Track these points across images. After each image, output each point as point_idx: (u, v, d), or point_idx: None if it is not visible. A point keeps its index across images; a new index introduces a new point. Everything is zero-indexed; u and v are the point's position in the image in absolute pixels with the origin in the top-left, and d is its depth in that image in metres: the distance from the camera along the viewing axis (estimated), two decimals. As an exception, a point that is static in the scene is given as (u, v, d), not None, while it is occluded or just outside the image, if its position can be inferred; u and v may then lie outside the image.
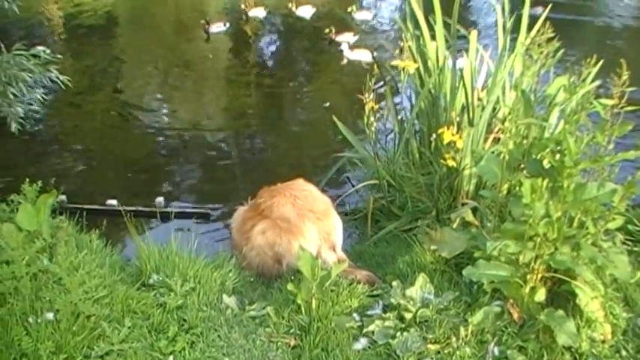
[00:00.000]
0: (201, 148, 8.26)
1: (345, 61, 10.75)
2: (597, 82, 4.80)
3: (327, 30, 11.33)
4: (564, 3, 11.63)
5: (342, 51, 10.94)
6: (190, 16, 13.19)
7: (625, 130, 3.50)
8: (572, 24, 11.11)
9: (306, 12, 13.02)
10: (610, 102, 3.46)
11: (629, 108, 3.47)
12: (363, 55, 10.58)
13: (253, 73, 10.92)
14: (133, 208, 6.24)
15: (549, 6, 5.66)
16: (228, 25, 12.29)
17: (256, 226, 4.71)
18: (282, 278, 4.58)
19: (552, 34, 3.70)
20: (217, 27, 12.21)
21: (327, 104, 9.02)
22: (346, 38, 11.17)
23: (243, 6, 13.19)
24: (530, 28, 5.25)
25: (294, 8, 12.97)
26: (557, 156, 3.41)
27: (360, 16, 12.47)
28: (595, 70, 4.26)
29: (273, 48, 12.35)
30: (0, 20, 6.85)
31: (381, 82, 6.79)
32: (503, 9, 5.92)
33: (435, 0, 5.68)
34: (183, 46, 12.05)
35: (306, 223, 4.59)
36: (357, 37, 11.16)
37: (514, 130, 3.67)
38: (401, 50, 8.36)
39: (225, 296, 4.11)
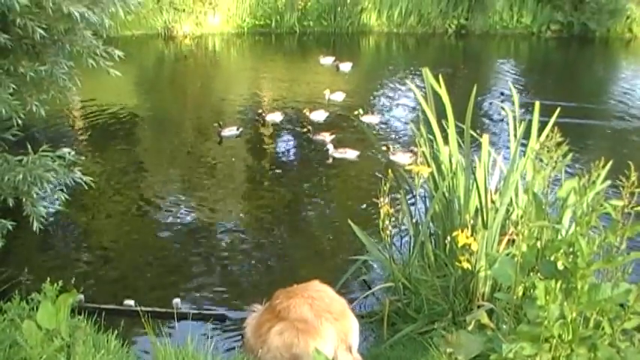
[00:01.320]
0: (217, 249, 8.33)
1: (330, 160, 11.17)
2: (608, 182, 4.90)
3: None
4: (576, 107, 11.95)
5: (327, 150, 11.46)
6: (209, 118, 13.54)
7: (636, 230, 3.55)
8: (583, 127, 11.36)
9: (319, 116, 13.61)
10: (620, 203, 3.53)
11: (640, 208, 3.54)
12: (349, 154, 11.16)
13: (270, 176, 11.11)
14: (149, 309, 6.27)
15: (557, 111, 5.82)
16: (241, 129, 12.60)
17: (273, 328, 4.69)
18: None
19: (561, 139, 3.81)
20: (230, 131, 12.53)
21: (343, 207, 9.11)
22: (328, 138, 11.80)
23: (260, 110, 13.60)
24: (540, 133, 5.41)
25: (308, 113, 13.48)
26: (570, 258, 3.45)
27: (366, 119, 12.87)
28: (604, 171, 4.37)
29: (289, 152, 12.59)
30: (27, 123, 7.04)
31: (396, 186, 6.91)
32: (514, 114, 6.10)
33: (447, 104, 5.86)
34: (202, 149, 12.31)
35: (324, 324, 4.58)
36: (334, 137, 11.82)
37: (527, 233, 3.73)
38: (413, 153, 8.56)
39: (241, 400, 4.09)
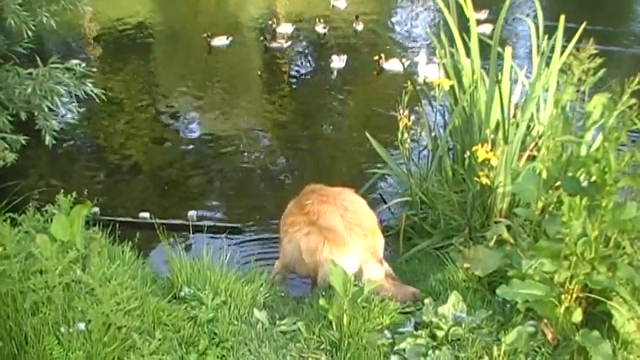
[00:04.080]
0: (232, 164, 8.29)
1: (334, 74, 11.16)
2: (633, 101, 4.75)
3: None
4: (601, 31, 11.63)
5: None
6: (223, 31, 13.31)
7: (665, 149, 3.44)
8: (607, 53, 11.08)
9: (321, 29, 13.72)
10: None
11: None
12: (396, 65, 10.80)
13: (285, 89, 10.99)
14: (165, 221, 6.26)
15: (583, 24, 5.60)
16: (231, 38, 12.51)
17: (302, 229, 4.64)
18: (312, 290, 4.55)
19: (595, 50, 3.65)
20: (219, 40, 12.48)
21: (360, 119, 9.01)
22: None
23: (270, 22, 13.45)
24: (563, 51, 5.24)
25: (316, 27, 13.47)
26: (597, 174, 3.35)
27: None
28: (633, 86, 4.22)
29: (303, 63, 12.43)
30: (38, 35, 6.91)
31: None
32: (537, 27, 5.89)
33: (471, 15, 5.66)
34: (214, 61, 12.16)
35: (353, 237, 4.48)
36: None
37: (552, 147, 3.62)
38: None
39: (256, 310, 4.10)
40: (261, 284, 4.48)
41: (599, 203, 3.37)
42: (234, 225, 6.79)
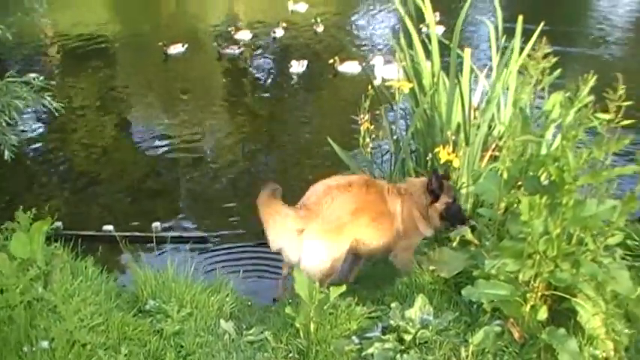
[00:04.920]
0: (197, 169, 8.24)
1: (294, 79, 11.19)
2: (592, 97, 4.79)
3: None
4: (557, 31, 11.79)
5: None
6: (184, 38, 13.26)
7: (622, 145, 3.47)
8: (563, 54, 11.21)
9: (280, 34, 13.77)
10: (607, 116, 3.44)
11: (626, 122, 3.44)
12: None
13: (247, 95, 10.97)
14: (128, 234, 6.19)
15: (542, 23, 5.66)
16: (186, 46, 12.52)
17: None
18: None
19: (549, 50, 3.68)
20: (175, 48, 12.51)
21: (322, 123, 9.02)
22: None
23: (231, 29, 13.46)
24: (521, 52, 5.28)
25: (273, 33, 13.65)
26: (556, 172, 3.38)
27: (344, 68, 11.92)
28: (589, 84, 4.26)
29: (263, 69, 12.45)
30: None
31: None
32: (496, 27, 5.94)
33: (430, 18, 5.69)
34: (177, 69, 12.10)
35: None
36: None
37: (512, 147, 3.65)
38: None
39: (222, 321, 4.07)
40: (227, 294, 4.46)
41: (560, 201, 3.40)
42: (200, 235, 6.74)
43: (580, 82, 3.59)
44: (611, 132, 3.47)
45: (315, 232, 4.55)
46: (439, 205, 4.57)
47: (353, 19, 15.85)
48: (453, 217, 4.60)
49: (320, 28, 13.87)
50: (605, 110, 3.43)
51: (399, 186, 4.72)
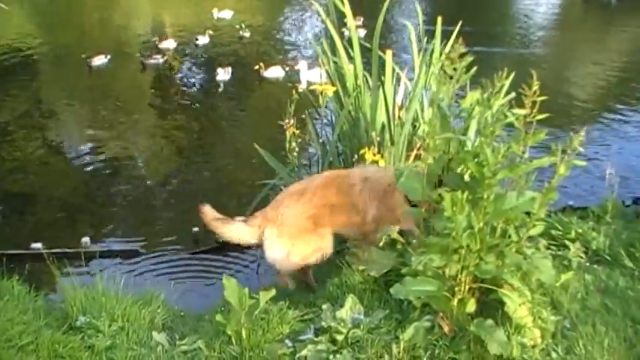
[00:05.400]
0: (127, 182, 8.13)
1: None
2: (512, 95, 4.92)
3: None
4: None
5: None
6: (109, 50, 13.08)
7: (539, 138, 3.58)
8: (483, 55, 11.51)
9: (206, 42, 13.88)
10: (522, 112, 3.53)
11: (541, 116, 3.55)
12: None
13: (175, 106, 10.88)
14: (57, 251, 6.08)
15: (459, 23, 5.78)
16: (109, 57, 12.42)
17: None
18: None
19: (465, 50, 3.77)
20: (99, 60, 12.42)
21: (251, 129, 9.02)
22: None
23: (155, 39, 13.36)
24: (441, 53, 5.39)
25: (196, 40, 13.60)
26: (476, 168, 3.46)
27: (270, 74, 12.04)
28: (507, 82, 4.38)
29: (189, 78, 12.38)
30: None
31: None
32: (418, 29, 6.04)
33: (351, 22, 5.75)
34: (102, 82, 11.93)
35: None
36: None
37: (432, 146, 3.72)
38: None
39: (154, 333, 4.04)
40: (159, 306, 4.42)
41: (481, 196, 3.48)
42: (130, 249, 6.66)
43: (496, 80, 3.68)
44: (528, 127, 3.58)
45: (275, 237, 4.66)
46: None
47: (279, 24, 15.93)
48: None
49: (246, 34, 13.90)
50: (523, 106, 3.53)
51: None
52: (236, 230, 4.74)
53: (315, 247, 4.73)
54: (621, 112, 10.58)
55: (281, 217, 4.65)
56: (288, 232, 4.65)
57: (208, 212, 4.81)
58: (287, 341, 3.77)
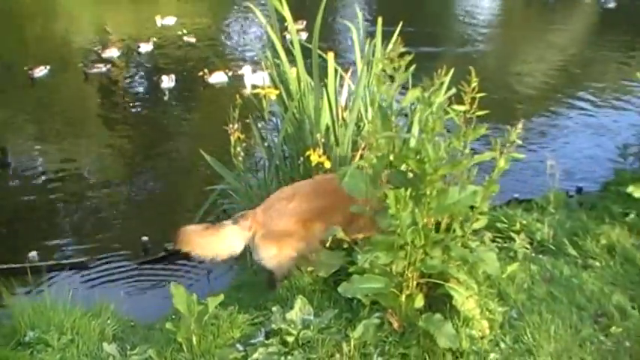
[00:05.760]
0: (74, 194, 8.01)
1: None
2: (453, 91, 4.99)
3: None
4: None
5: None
6: (52, 59, 12.89)
7: (479, 134, 3.64)
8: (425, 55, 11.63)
9: (149, 49, 13.79)
10: (462, 108, 3.59)
11: (481, 112, 3.61)
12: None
13: (119, 115, 10.76)
14: (4, 267, 5.99)
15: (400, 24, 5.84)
16: (49, 67, 12.30)
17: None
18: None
19: (405, 49, 3.81)
20: (40, 71, 12.29)
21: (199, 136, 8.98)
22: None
23: (97, 48, 13.24)
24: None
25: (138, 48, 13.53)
26: (417, 165, 3.50)
27: (214, 79, 12.05)
28: (447, 79, 4.45)
29: (133, 86, 12.28)
30: None
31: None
32: (359, 30, 6.08)
33: (291, 24, 5.76)
34: (45, 92, 11.75)
35: None
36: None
37: (375, 145, 3.75)
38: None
39: (105, 344, 4.00)
40: (109, 317, 4.38)
41: (424, 192, 3.53)
42: (79, 260, 6.57)
43: (436, 78, 3.73)
44: (470, 123, 3.64)
45: (263, 237, 4.57)
46: None
47: (223, 29, 15.88)
48: None
49: (192, 39, 13.87)
50: (464, 103, 3.59)
51: None
52: (229, 234, 4.56)
53: (305, 250, 4.69)
54: (564, 106, 10.82)
55: (271, 220, 4.57)
56: (279, 236, 4.57)
57: (191, 228, 4.63)
58: (238, 345, 3.77)
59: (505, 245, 4.79)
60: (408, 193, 3.41)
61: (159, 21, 15.41)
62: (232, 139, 5.18)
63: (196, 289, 4.97)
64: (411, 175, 3.68)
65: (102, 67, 12.49)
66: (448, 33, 15.44)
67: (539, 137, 9.44)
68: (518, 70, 12.98)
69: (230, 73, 11.16)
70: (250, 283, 5.09)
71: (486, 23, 17.08)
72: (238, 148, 5.22)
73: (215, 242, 4.55)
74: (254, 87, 6.92)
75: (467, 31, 15.64)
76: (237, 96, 5.63)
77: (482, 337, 3.81)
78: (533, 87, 11.95)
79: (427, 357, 3.61)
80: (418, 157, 3.53)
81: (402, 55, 3.79)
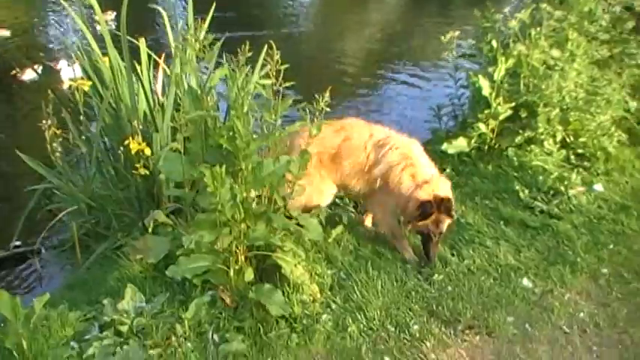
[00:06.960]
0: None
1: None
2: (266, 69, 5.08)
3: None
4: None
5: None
6: None
7: (287, 105, 3.76)
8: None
9: None
10: (268, 81, 3.69)
11: (287, 84, 3.72)
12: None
13: None
14: None
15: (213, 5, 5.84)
16: None
17: None
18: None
19: (207, 31, 3.85)
20: None
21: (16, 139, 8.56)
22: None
23: None
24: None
25: None
26: (228, 142, 3.57)
27: (28, 76, 11.14)
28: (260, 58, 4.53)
29: None
30: None
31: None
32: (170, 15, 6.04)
33: (99, 13, 5.61)
34: None
35: None
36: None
37: (188, 125, 3.78)
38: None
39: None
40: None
41: (240, 167, 3.61)
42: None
43: (240, 55, 3.79)
44: (278, 96, 3.74)
45: None
46: (421, 223, 4.43)
47: (38, 22, 15.08)
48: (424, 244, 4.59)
49: (6, 33, 13.07)
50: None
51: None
52: None
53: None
54: (385, 79, 11.23)
55: None
56: None
57: None
58: (72, 343, 3.69)
59: (329, 211, 4.98)
60: (224, 169, 3.47)
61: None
62: (47, 135, 5.01)
63: (33, 295, 4.77)
64: (225, 152, 3.74)
65: None
66: (270, 16, 15.52)
67: (364, 107, 9.76)
68: (340, 47, 13.30)
69: (40, 69, 10.63)
70: (83, 280, 4.97)
71: (308, 3, 17.37)
72: (55, 144, 5.05)
73: None
74: (72, 80, 6.66)
75: (290, 13, 15.83)
76: (49, 91, 5.45)
77: (313, 301, 3.97)
78: (354, 64, 12.27)
79: (261, 327, 3.72)
80: (230, 133, 3.60)
81: (214, 40, 3.83)
